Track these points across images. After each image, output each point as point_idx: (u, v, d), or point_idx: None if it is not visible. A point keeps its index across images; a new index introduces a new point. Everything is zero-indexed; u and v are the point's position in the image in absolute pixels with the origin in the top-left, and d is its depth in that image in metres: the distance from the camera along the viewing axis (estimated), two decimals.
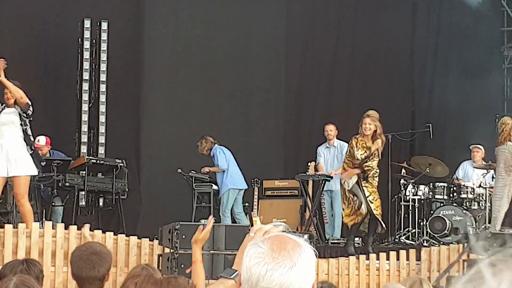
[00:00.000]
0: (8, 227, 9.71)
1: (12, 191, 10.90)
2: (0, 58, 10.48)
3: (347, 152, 11.97)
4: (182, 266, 8.86)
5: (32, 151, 10.34)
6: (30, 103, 10.35)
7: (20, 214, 10.18)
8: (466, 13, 17.50)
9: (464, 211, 13.20)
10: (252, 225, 12.33)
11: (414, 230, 13.38)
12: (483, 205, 13.24)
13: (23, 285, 3.86)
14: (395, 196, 13.93)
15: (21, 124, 10.29)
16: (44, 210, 12.37)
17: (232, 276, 2.78)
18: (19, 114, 10.28)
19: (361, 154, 11.56)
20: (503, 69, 18.29)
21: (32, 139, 10.59)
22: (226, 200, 13.39)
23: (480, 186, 13.50)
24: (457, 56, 17.64)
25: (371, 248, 11.53)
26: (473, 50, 17.32)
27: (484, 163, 13.78)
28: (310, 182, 13.58)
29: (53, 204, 12.61)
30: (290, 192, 14.19)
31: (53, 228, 9.95)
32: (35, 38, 15.01)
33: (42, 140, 12.96)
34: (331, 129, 13.90)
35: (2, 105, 10.31)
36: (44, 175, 12.52)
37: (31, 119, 10.49)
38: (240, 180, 13.61)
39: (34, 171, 10.35)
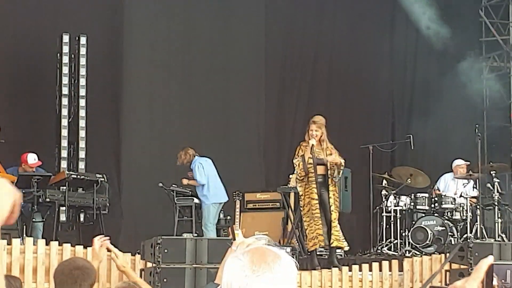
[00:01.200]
0: None
1: None
2: None
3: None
4: (165, 280, 8.87)
5: None
6: None
7: None
8: (443, 25, 17.60)
9: (445, 221, 13.25)
10: (234, 238, 12.34)
11: (396, 241, 13.39)
12: (464, 215, 13.30)
13: None
14: (377, 207, 13.95)
15: None
16: (24, 226, 12.31)
17: None
18: None
19: (297, 160, 11.56)
20: (482, 80, 18.38)
21: None
22: (208, 214, 13.35)
23: (461, 196, 13.56)
24: (436, 67, 17.74)
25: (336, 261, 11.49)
26: (453, 61, 17.41)
27: (464, 173, 13.86)
28: (292, 195, 13.57)
29: (33, 220, 12.55)
30: (272, 205, 14.17)
31: (34, 244, 9.92)
32: (13, 53, 14.97)
33: (34, 159, 12.92)
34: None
35: None
36: (24, 191, 12.51)
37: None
38: (222, 193, 13.57)
39: None
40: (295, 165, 11.64)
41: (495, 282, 2.14)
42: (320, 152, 11.49)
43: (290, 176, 13.87)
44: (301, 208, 11.69)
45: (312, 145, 11.39)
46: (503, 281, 1.83)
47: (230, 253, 2.82)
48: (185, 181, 13.64)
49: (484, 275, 2.13)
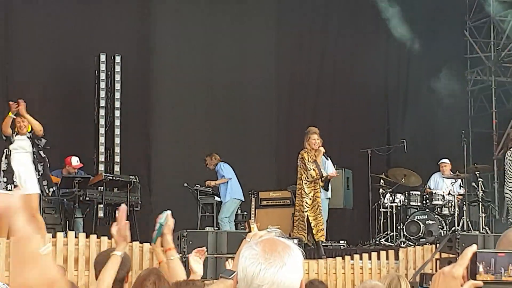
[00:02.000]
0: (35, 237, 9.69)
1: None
2: (19, 99, 10.62)
3: (300, 165, 11.92)
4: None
5: (42, 173, 10.51)
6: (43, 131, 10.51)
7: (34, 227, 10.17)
8: (434, 43, 17.58)
9: (436, 216, 13.23)
10: (250, 231, 12.35)
11: (392, 233, 13.36)
12: (452, 210, 13.28)
13: None
14: (375, 204, 13.93)
15: (33, 151, 10.40)
16: (67, 222, 12.37)
17: (230, 276, 2.71)
18: (32, 141, 10.39)
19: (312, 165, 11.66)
20: (467, 91, 18.36)
21: (47, 160, 10.71)
22: (227, 209, 13.37)
23: (449, 193, 13.53)
24: (427, 80, 17.70)
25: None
26: (441, 74, 17.38)
27: (452, 174, 13.83)
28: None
29: (75, 216, 12.60)
30: (283, 202, 14.17)
31: (75, 237, 9.96)
32: (58, 70, 15.01)
33: (78, 161, 13.05)
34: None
35: (14, 134, 10.41)
36: (67, 190, 12.56)
37: (46, 146, 10.65)
38: (240, 192, 13.62)
39: (38, 190, 10.48)
40: (309, 169, 11.69)
41: (480, 269, 2.14)
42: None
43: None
44: (308, 205, 11.73)
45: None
46: (488, 268, 1.84)
47: (245, 244, 2.83)
48: (212, 183, 13.66)
49: (468, 262, 2.13)
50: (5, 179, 10.32)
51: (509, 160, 11.83)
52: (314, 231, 11.77)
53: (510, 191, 11.80)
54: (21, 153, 10.37)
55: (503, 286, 2.14)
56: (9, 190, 10.17)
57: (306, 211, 11.77)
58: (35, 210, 10.18)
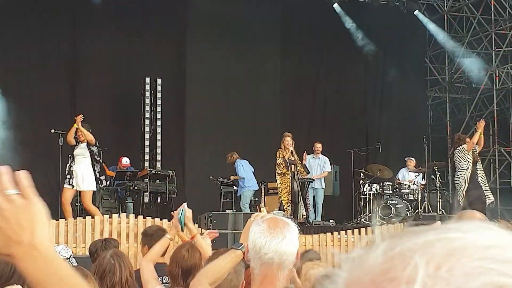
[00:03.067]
0: (97, 218, 9.73)
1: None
2: (79, 114, 10.72)
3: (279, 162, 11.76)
4: (214, 241, 8.87)
5: (99, 171, 10.55)
6: (95, 141, 10.53)
7: (90, 213, 10.25)
8: (403, 68, 17.55)
9: (403, 201, 13.18)
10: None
11: (370, 214, 13.35)
12: (416, 196, 13.22)
13: (116, 255, 3.86)
14: (357, 192, 13.90)
15: (90, 155, 10.45)
16: (120, 206, 12.39)
17: (239, 248, 2.74)
18: (88, 148, 10.44)
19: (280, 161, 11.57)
20: (427, 105, 18.31)
21: (101, 162, 10.75)
22: (245, 197, 13.35)
23: (414, 184, 13.47)
24: (396, 95, 17.66)
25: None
26: (407, 92, 17.35)
27: (416, 168, 13.78)
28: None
29: (126, 201, 12.62)
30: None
31: (126, 217, 9.96)
32: (112, 90, 15.05)
33: (127, 161, 13.12)
34: (318, 146, 13.84)
35: (77, 142, 10.45)
36: (120, 182, 12.58)
37: (100, 149, 10.74)
38: (254, 183, 13.55)
39: (94, 188, 10.58)
40: (278, 164, 11.57)
41: None
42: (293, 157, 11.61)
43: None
44: (281, 192, 11.66)
45: (291, 151, 11.58)
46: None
47: (249, 222, 2.80)
48: (232, 177, 13.66)
49: None
50: (69, 177, 10.39)
51: (457, 156, 11.75)
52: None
53: (458, 178, 11.72)
54: (81, 158, 10.42)
55: None
56: (71, 184, 10.29)
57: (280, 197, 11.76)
58: (86, 203, 10.32)
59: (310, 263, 3.27)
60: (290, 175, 11.37)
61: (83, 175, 10.36)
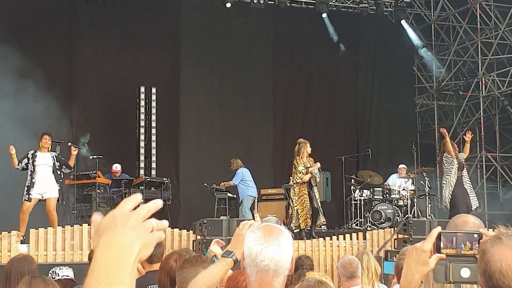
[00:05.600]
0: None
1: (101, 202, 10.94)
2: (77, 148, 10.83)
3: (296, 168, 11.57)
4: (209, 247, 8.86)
5: (60, 182, 10.42)
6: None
7: (50, 219, 10.02)
8: (391, 76, 17.63)
9: (393, 206, 13.21)
10: (254, 219, 12.30)
11: (361, 220, 13.37)
12: (406, 202, 13.27)
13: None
14: (348, 197, 13.92)
15: (54, 165, 10.25)
16: None
17: (230, 256, 2.72)
18: (54, 159, 10.25)
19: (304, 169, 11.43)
20: (415, 112, 18.39)
21: (62, 176, 10.57)
22: (247, 203, 13.26)
23: (403, 189, 13.51)
24: (386, 103, 17.73)
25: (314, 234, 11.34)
26: (396, 99, 17.42)
27: (405, 174, 13.82)
28: (292, 190, 13.53)
29: None
30: (278, 197, 14.10)
31: None
32: (109, 99, 15.06)
33: (118, 167, 13.06)
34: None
35: (34, 151, 10.21)
36: (115, 189, 12.57)
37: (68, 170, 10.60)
38: (254, 190, 13.50)
39: (57, 195, 10.33)
40: (302, 173, 11.41)
41: (442, 245, 2.16)
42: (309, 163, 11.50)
43: (290, 177, 13.83)
44: (296, 200, 11.50)
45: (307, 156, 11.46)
46: (450, 244, 1.86)
47: (238, 230, 2.81)
48: (223, 184, 13.60)
49: (434, 239, 2.14)
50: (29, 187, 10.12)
51: (445, 162, 11.83)
52: (300, 220, 11.56)
53: (446, 182, 11.79)
54: (45, 166, 10.19)
55: (462, 258, 2.16)
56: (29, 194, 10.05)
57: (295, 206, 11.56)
58: (52, 209, 10.08)
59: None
60: (306, 183, 11.33)
61: (49, 183, 10.14)
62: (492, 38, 16.50)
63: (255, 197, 13.43)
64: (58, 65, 14.81)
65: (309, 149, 11.41)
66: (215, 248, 4.76)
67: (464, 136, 12.72)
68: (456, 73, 17.74)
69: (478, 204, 12.04)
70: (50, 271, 5.25)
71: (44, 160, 10.13)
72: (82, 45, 14.98)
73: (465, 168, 11.85)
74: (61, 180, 10.38)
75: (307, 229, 11.41)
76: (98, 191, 12.24)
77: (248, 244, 2.34)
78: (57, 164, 10.27)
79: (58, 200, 10.32)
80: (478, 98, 16.74)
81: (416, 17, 18.04)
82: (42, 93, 13.01)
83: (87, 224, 9.62)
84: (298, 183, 11.37)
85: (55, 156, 10.30)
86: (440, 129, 12.30)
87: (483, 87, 16.50)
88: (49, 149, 10.28)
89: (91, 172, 12.30)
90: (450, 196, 11.49)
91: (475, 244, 2.19)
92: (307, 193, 11.25)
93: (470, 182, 11.92)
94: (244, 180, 13.34)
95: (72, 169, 10.67)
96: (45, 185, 10.05)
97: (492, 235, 2.19)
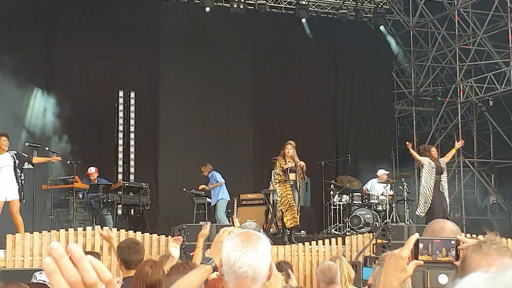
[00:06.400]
0: (71, 230, 9.65)
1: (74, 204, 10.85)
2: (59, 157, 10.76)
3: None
4: (188, 253, 8.84)
5: (21, 181, 10.17)
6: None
7: (15, 223, 9.78)
8: (370, 81, 17.73)
9: (372, 211, 13.26)
10: (233, 224, 12.27)
11: (340, 225, 13.40)
12: (385, 207, 13.32)
13: None
14: (327, 202, 13.94)
15: (14, 164, 10.04)
16: (94, 218, 12.28)
17: (209, 262, 2.72)
18: (14, 158, 10.04)
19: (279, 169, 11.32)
20: (394, 118, 18.51)
21: (22, 176, 10.25)
22: (221, 207, 13.26)
23: (382, 194, 13.57)
24: (365, 109, 17.80)
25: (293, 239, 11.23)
26: (375, 105, 17.51)
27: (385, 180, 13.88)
28: (271, 195, 13.53)
29: (105, 214, 12.50)
30: (257, 202, 14.10)
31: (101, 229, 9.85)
32: (88, 104, 14.97)
33: (93, 169, 12.95)
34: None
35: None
36: (93, 194, 12.48)
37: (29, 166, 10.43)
38: (227, 194, 13.53)
39: (18, 196, 9.99)
40: (277, 171, 11.36)
41: (419, 252, 2.16)
42: (293, 164, 11.40)
43: (270, 182, 13.85)
44: (279, 201, 11.41)
45: (292, 158, 11.36)
46: (426, 250, 1.86)
47: (217, 237, 2.79)
48: (201, 187, 13.56)
49: (412, 246, 2.15)
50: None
51: (421, 167, 11.91)
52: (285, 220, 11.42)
53: (423, 187, 11.86)
54: (8, 168, 10.00)
55: (438, 264, 2.17)
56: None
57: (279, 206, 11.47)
58: (15, 211, 9.84)
59: None
60: (289, 183, 11.23)
61: (11, 184, 9.93)
62: (470, 44, 16.68)
63: (227, 201, 13.42)
64: (36, 68, 14.70)
65: (287, 150, 11.35)
66: (174, 251, 4.74)
67: (453, 141, 12.82)
68: (434, 79, 17.90)
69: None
70: (33, 275, 5.28)
71: (5, 162, 9.98)
72: (60, 49, 14.89)
73: (444, 173, 11.93)
74: (21, 179, 10.17)
75: (287, 233, 11.41)
76: (76, 196, 12.14)
77: (226, 251, 2.33)
78: (17, 162, 10.09)
79: (22, 201, 10.11)
80: (456, 104, 16.90)
81: (395, 23, 18.19)
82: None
83: (64, 230, 9.53)
84: (278, 182, 11.27)
85: (15, 154, 10.11)
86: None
87: (461, 93, 16.66)
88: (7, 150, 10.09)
89: (68, 177, 12.20)
90: (426, 201, 11.53)
91: (452, 250, 2.20)
92: (291, 193, 11.21)
93: (447, 187, 11.99)
94: (217, 182, 13.36)
95: (34, 166, 10.45)
96: (7, 187, 9.89)
97: (471, 242, 2.20)
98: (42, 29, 14.91)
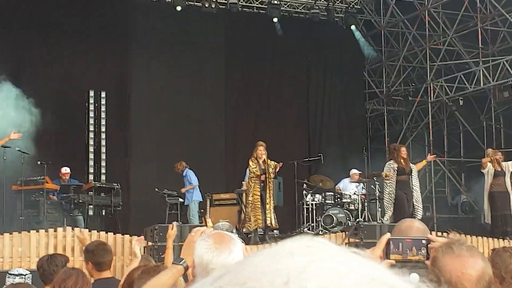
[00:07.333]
0: (42, 231, 9.57)
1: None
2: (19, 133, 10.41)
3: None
4: (161, 254, 8.82)
5: None
6: None
7: None
8: (342, 81, 17.83)
9: (345, 210, 13.32)
10: (206, 225, 12.25)
11: (313, 224, 13.43)
12: (357, 206, 13.40)
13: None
14: (300, 202, 13.96)
15: None
16: (65, 219, 12.17)
17: (181, 263, 2.70)
18: None
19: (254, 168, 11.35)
20: (366, 117, 18.64)
21: None
22: (193, 208, 13.25)
23: (354, 193, 13.65)
24: (337, 108, 17.91)
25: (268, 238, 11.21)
26: (347, 104, 17.62)
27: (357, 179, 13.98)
28: (244, 194, 13.54)
29: (76, 214, 12.39)
30: (230, 202, 14.09)
31: (72, 230, 9.81)
32: (57, 104, 14.83)
33: (68, 169, 12.86)
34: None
35: None
36: (64, 195, 12.37)
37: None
38: (200, 194, 13.51)
39: None
40: (251, 171, 11.35)
41: (390, 251, 2.19)
42: (264, 166, 11.43)
43: (243, 182, 13.86)
44: (250, 200, 11.40)
45: (264, 160, 11.40)
46: (397, 250, 1.89)
47: (190, 237, 2.78)
48: (183, 190, 13.52)
49: (384, 246, 2.17)
50: None
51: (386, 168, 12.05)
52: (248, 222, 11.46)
53: (388, 186, 12.02)
54: None
55: (409, 263, 2.20)
56: None
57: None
58: None
59: None
60: (258, 183, 11.23)
61: None
62: (440, 44, 16.88)
63: (200, 201, 13.40)
64: (4, 69, 14.50)
65: (259, 152, 11.36)
66: (137, 251, 4.75)
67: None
68: (405, 79, 18.08)
69: (421, 213, 12.21)
70: (6, 276, 5.26)
71: None
72: (29, 48, 14.74)
73: (414, 171, 12.06)
74: None
75: (259, 234, 11.41)
76: (47, 197, 12.02)
77: (199, 252, 2.34)
78: None
79: None
80: (426, 103, 17.08)
81: (366, 23, 18.33)
82: None
83: (35, 231, 9.44)
84: (251, 178, 11.27)
85: None
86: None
87: (432, 93, 16.85)
88: None
89: (38, 177, 12.07)
90: (391, 200, 11.66)
91: (423, 249, 2.24)
92: (258, 194, 11.22)
93: (418, 188, 12.10)
94: (191, 184, 13.33)
95: None
96: None
97: (441, 241, 2.23)
98: (12, 28, 14.73)
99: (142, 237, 5.37)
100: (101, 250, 4.74)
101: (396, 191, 11.55)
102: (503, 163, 12.39)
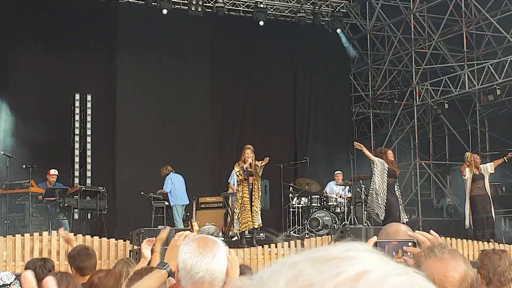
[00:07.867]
0: (27, 235, 9.51)
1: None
2: None
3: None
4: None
5: None
6: None
7: None
8: (328, 84, 17.88)
9: (331, 213, 13.36)
10: (192, 228, 12.24)
11: (299, 227, 13.46)
12: (343, 209, 13.45)
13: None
14: (286, 205, 14.00)
15: None
16: (50, 223, 12.11)
17: (164, 267, 2.69)
18: None
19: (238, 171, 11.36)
20: (352, 121, 18.70)
21: None
22: (175, 213, 13.25)
23: (340, 196, 13.69)
24: (323, 112, 17.94)
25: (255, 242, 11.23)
26: (333, 108, 17.66)
27: (343, 182, 14.01)
28: (230, 198, 13.55)
29: (61, 218, 12.33)
30: (217, 205, 14.12)
31: (56, 234, 9.76)
32: (41, 106, 14.78)
33: (55, 172, 12.80)
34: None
35: None
36: (50, 199, 12.31)
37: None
38: (184, 198, 13.47)
39: None
40: (237, 175, 11.37)
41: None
42: (251, 168, 11.40)
43: (229, 182, 13.84)
44: (239, 201, 11.35)
45: (250, 163, 11.37)
46: (382, 252, 1.89)
47: (173, 241, 2.77)
48: (159, 191, 13.55)
49: None
50: None
51: (373, 168, 12.02)
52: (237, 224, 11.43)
53: (372, 189, 11.99)
54: None
55: None
56: None
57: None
58: None
59: None
60: (247, 185, 11.21)
61: None
62: (426, 48, 16.98)
63: (185, 205, 13.37)
64: None
65: (247, 155, 11.37)
66: (146, 252, 4.74)
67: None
68: (391, 82, 18.16)
69: (407, 217, 12.24)
70: None
71: None
72: (15, 52, 14.68)
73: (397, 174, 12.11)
74: None
75: (246, 237, 11.42)
76: (32, 200, 11.96)
77: (183, 256, 2.33)
78: None
79: None
80: (412, 106, 17.17)
81: (352, 27, 18.40)
82: None
83: (20, 235, 9.39)
84: (239, 181, 11.25)
85: None
86: (355, 142, 12.53)
87: (417, 96, 16.94)
88: None
89: (24, 181, 12.00)
90: (381, 202, 11.65)
91: (408, 252, 2.25)
92: (248, 197, 11.21)
93: (399, 191, 12.14)
94: (172, 188, 13.29)
95: None
96: None
97: (421, 238, 2.24)
98: None
99: (153, 238, 5.34)
100: (82, 255, 4.73)
101: (388, 196, 11.53)
102: (481, 166, 12.42)
